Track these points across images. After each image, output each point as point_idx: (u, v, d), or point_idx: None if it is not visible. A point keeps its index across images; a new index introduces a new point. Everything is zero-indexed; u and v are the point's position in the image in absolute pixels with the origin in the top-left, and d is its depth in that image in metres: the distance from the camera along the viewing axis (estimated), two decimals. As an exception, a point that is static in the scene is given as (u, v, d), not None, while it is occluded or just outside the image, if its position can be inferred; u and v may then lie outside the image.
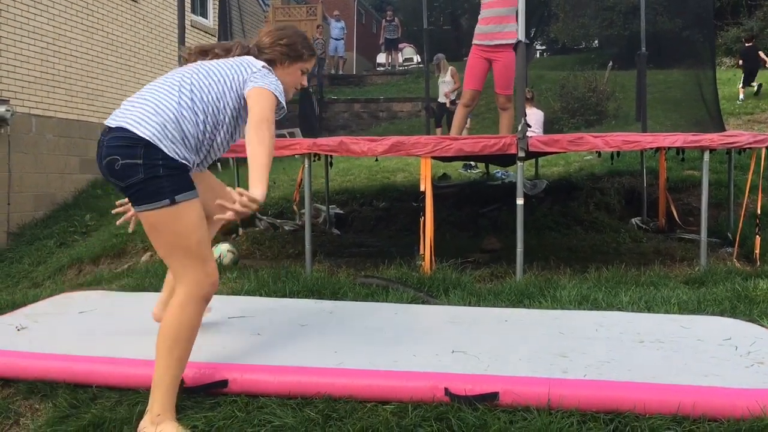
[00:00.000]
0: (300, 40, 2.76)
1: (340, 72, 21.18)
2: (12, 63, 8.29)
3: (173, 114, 2.34)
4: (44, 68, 8.85)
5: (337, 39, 20.78)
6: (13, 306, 3.84)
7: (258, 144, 2.28)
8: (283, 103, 2.53)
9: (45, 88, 8.85)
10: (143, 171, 2.26)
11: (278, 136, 11.15)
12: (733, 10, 18.16)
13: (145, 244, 6.56)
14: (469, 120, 7.60)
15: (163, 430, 2.23)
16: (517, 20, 5.42)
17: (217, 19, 13.14)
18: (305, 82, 2.85)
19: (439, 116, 11.62)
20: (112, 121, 2.36)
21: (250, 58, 2.62)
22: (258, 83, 2.47)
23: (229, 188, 2.83)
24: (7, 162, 8.18)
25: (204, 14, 13.73)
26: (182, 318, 2.31)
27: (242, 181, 7.30)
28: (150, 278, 4.83)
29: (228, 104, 2.47)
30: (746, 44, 13.36)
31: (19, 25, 8.41)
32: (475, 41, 5.69)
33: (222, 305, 3.44)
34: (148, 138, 2.27)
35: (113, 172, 2.29)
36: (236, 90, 2.48)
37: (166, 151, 2.29)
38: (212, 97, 2.44)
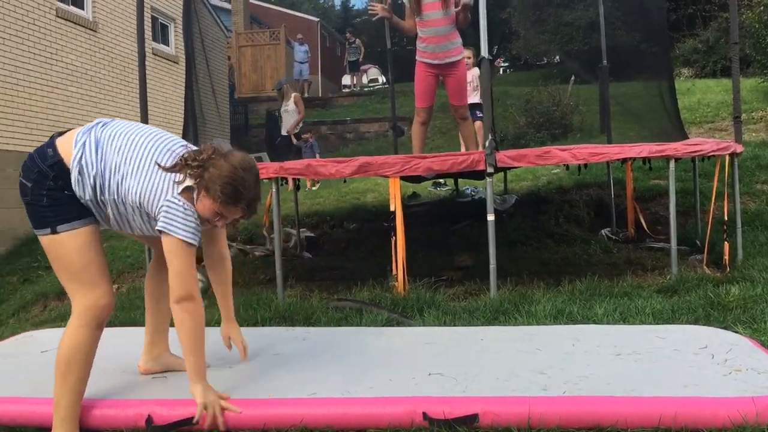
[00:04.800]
0: (223, 180, 2.36)
1: (306, 95, 21.18)
2: (-32, 97, 8.12)
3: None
4: (3, 101, 8.66)
5: (301, 62, 20.78)
6: (-27, 348, 3.69)
7: (181, 332, 2.44)
8: (197, 240, 2.41)
9: (4, 122, 8.66)
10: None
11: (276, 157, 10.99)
12: (689, 22, 18.58)
13: (111, 275, 6.41)
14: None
15: None
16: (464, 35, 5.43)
17: (178, 47, 13.07)
18: (222, 224, 2.51)
19: (284, 151, 10.24)
20: None
21: (169, 185, 2.40)
22: (165, 227, 2.37)
23: None
24: (-34, 198, 7.98)
25: (166, 42, 13.63)
26: (75, 342, 2.40)
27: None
28: (116, 311, 4.70)
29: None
30: None
31: (-25, 59, 8.25)
32: (420, 59, 5.48)
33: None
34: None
35: None
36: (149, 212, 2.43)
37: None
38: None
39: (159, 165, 2.39)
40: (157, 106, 11.67)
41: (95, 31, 10.84)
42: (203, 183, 2.38)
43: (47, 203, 2.38)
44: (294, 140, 10.47)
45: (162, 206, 2.36)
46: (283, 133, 10.60)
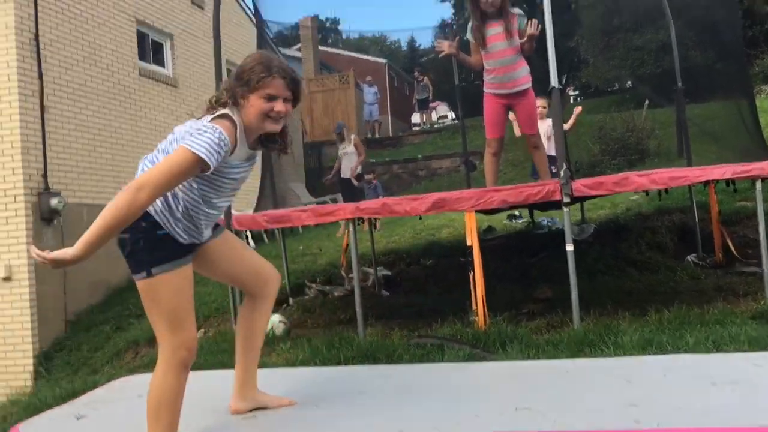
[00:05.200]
0: (248, 66, 2.50)
1: (377, 135, 21.50)
2: (62, 156, 8.62)
3: None
4: (92, 158, 9.18)
5: (371, 104, 21.18)
6: (73, 394, 3.88)
7: (108, 206, 2.26)
8: (209, 158, 2.34)
9: (94, 178, 9.16)
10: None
11: (320, 202, 11.27)
12: (766, 37, 17.96)
13: (197, 321, 6.62)
14: None
15: None
16: (532, 63, 5.39)
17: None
18: (280, 107, 2.50)
19: (346, 192, 10.40)
20: None
21: (201, 121, 2.48)
22: (182, 143, 2.37)
23: (238, 245, 2.93)
24: (62, 251, 8.43)
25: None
26: (164, 385, 2.49)
27: (289, 252, 7.37)
28: (204, 355, 4.84)
29: None
30: None
31: (66, 119, 8.78)
32: (488, 90, 5.45)
33: (278, 377, 3.42)
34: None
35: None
36: None
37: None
38: None
39: (193, 116, 2.53)
40: (234, 154, 12.06)
41: (176, 87, 11.39)
42: (238, 93, 2.48)
43: (143, 246, 2.48)
44: (355, 182, 10.59)
45: (189, 132, 2.40)
46: (343, 175, 10.76)
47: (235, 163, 2.54)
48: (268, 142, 2.67)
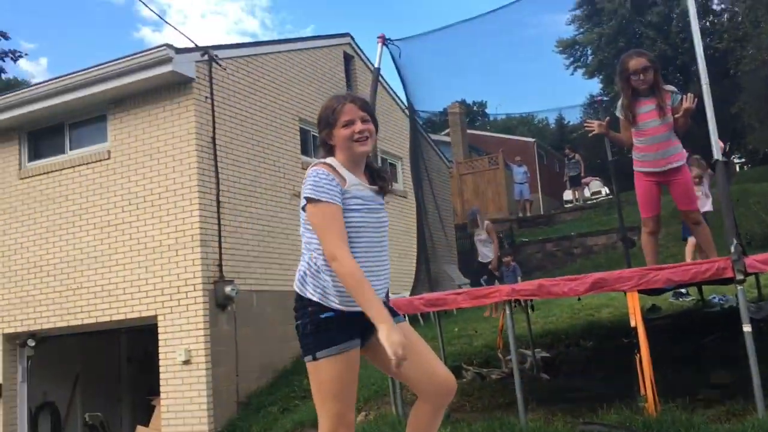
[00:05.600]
0: (322, 110, 2.80)
1: (528, 214, 21.33)
2: (234, 246, 9.34)
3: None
4: (261, 247, 9.85)
5: (520, 183, 21.15)
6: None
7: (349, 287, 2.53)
8: (315, 191, 2.61)
9: (263, 266, 9.80)
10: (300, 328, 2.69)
11: (474, 284, 11.27)
12: None
13: (358, 403, 6.77)
14: None
15: None
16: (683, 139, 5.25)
17: (406, 182, 14.03)
18: (359, 126, 2.71)
19: (487, 276, 10.46)
20: None
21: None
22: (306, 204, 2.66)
23: (420, 344, 2.81)
24: (234, 337, 9.00)
25: (394, 179, 14.71)
26: None
27: (445, 333, 7.41)
28: (367, 438, 4.94)
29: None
30: None
31: (239, 212, 9.54)
32: (638, 168, 5.23)
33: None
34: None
35: None
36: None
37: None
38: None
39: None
40: (390, 238, 12.44)
41: (333, 178, 12.07)
42: (326, 138, 2.76)
43: (310, 329, 2.63)
44: (496, 273, 10.59)
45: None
46: (480, 259, 10.85)
47: (354, 192, 2.70)
48: (375, 178, 2.86)
